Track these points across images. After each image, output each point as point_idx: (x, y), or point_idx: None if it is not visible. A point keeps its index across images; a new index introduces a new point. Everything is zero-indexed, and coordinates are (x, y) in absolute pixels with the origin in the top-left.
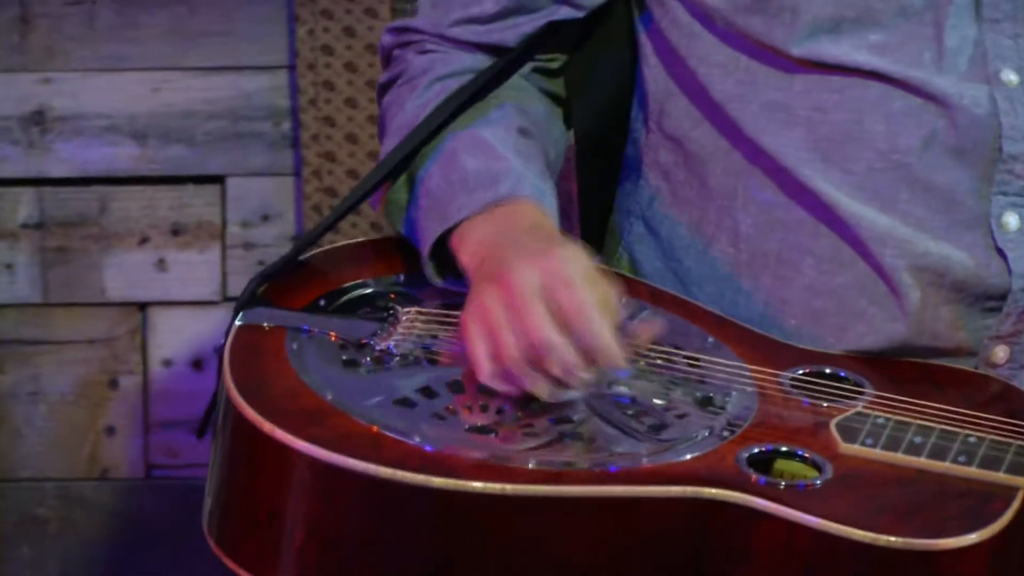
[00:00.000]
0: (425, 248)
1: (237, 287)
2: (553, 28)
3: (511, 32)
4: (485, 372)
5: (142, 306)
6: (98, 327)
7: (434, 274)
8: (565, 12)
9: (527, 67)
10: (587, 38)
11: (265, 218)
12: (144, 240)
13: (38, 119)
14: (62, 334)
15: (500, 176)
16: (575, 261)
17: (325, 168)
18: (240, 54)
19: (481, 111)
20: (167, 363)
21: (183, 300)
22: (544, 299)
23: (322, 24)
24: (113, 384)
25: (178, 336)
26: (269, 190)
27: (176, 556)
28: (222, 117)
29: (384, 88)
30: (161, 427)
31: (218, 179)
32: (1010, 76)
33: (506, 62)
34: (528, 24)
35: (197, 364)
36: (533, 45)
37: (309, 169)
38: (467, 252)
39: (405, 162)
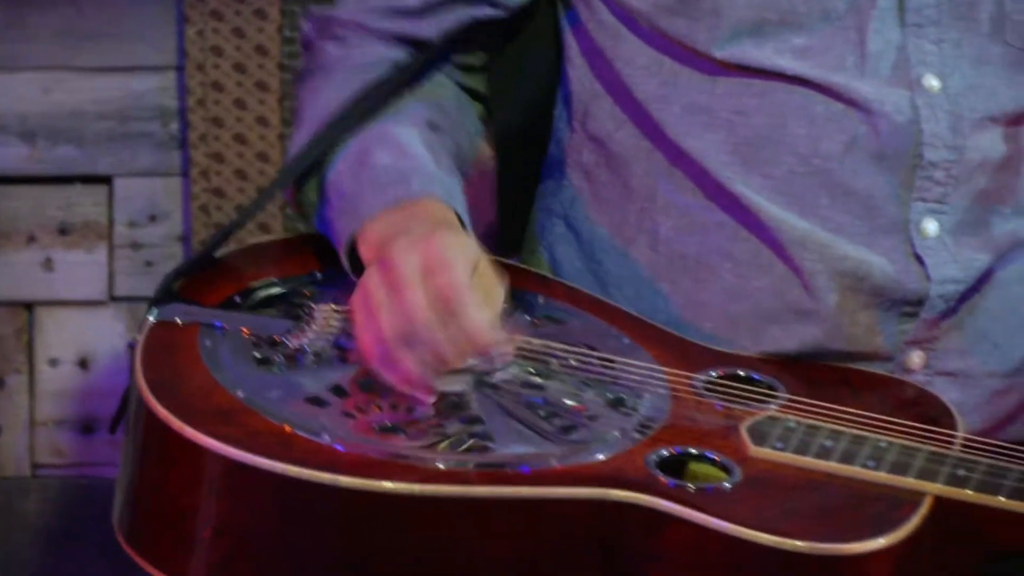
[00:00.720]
0: (341, 249)
1: (124, 287)
2: (475, 26)
3: (433, 27)
4: (370, 356)
5: (28, 305)
6: None
7: (352, 273)
8: (488, 11)
9: (448, 64)
10: (511, 37)
11: (152, 218)
12: (31, 239)
13: None
14: None
15: (410, 174)
16: (458, 246)
17: (213, 169)
18: (129, 54)
19: (392, 107)
20: (53, 363)
21: (70, 300)
22: (422, 280)
23: (211, 25)
24: None
25: (65, 336)
26: (157, 190)
27: (61, 555)
28: (111, 117)
29: (301, 77)
30: (47, 426)
31: (106, 179)
32: (932, 82)
33: (424, 58)
34: (450, 20)
35: (84, 364)
36: (453, 42)
37: (197, 169)
38: (367, 244)
39: (319, 158)
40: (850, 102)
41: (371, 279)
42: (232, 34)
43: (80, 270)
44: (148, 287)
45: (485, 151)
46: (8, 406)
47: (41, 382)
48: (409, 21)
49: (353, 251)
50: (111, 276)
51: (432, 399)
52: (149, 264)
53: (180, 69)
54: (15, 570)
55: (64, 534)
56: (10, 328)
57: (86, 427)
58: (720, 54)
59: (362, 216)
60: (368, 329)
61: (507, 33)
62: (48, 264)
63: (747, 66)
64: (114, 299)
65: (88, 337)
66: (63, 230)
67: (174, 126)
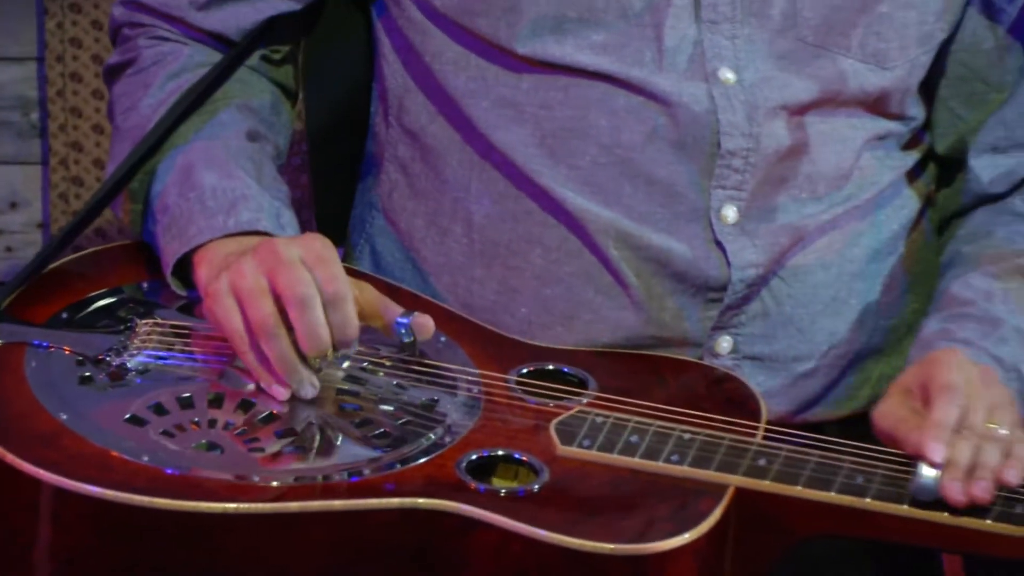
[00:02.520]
0: (167, 269)
1: None
2: (276, 20)
3: (232, 22)
4: (238, 340)
5: None
6: None
7: (179, 287)
8: (282, 4)
9: (255, 57)
10: (314, 30)
11: (13, 205)
12: None
13: None
14: None
15: (238, 201)
16: (331, 249)
17: (72, 157)
18: None
19: (210, 113)
20: None
21: None
22: (306, 268)
23: (70, 17)
24: None
25: None
26: (17, 178)
27: None
28: None
29: (114, 72)
30: None
31: None
32: (727, 75)
33: (230, 58)
34: (246, 16)
35: None
36: (255, 39)
37: (56, 158)
38: (206, 263)
39: (140, 167)
40: (650, 95)
41: (243, 267)
42: (91, 26)
43: None
44: (8, 272)
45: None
46: None
47: None
48: (210, 12)
49: (179, 267)
50: None
51: (303, 391)
52: (9, 250)
53: (40, 60)
54: None
55: None
56: None
57: None
58: (522, 50)
59: (190, 241)
60: (238, 315)
61: (308, 25)
62: None
63: (549, 62)
64: None
65: None
66: None
67: (34, 115)
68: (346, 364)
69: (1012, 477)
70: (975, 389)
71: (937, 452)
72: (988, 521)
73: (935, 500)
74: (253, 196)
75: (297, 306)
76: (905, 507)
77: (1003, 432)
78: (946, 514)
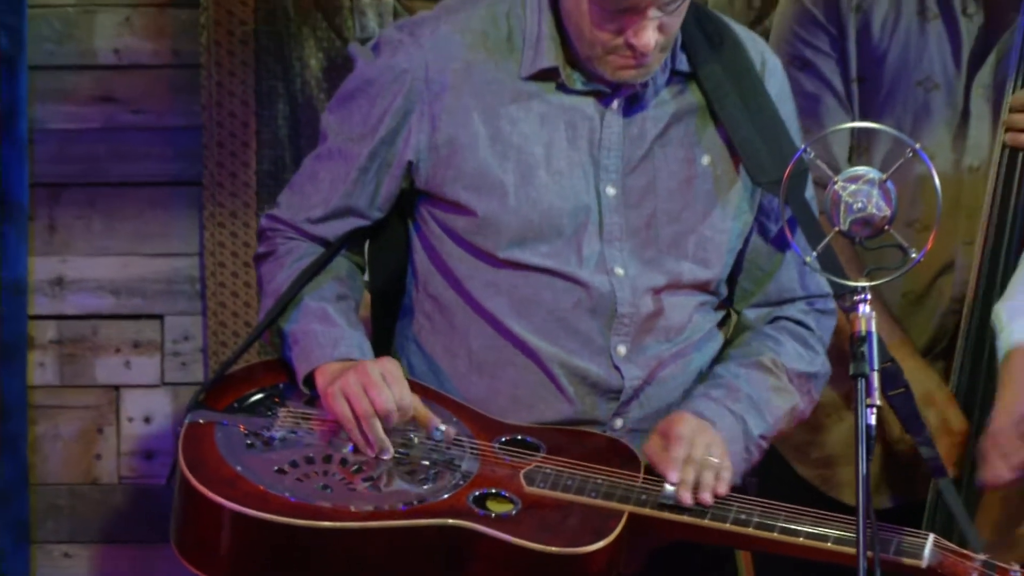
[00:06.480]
0: (299, 378)
1: (170, 377)
2: (357, 229)
3: (331, 231)
4: (349, 426)
5: (116, 387)
6: (91, 399)
7: (306, 390)
8: (363, 221)
9: (343, 249)
10: (378, 236)
11: (186, 338)
12: (118, 350)
13: (59, 282)
14: (72, 402)
15: (339, 340)
16: (399, 369)
17: (220, 311)
18: (171, 246)
19: (317, 284)
20: (130, 419)
21: (139, 384)
22: (386, 385)
23: (218, 230)
24: (100, 431)
25: (136, 404)
26: (188, 323)
27: (133, 527)
28: (162, 281)
29: (260, 258)
30: (126, 456)
31: (159, 317)
32: (619, 271)
33: (330, 252)
34: (342, 226)
35: (147, 420)
36: (344, 239)
37: (210, 311)
38: (323, 376)
39: (280, 315)
40: (575, 281)
41: (350, 378)
42: (230, 236)
43: (145, 368)
44: (184, 377)
45: (367, 298)
46: (105, 444)
47: (123, 430)
48: (319, 225)
49: (307, 379)
50: (163, 371)
51: (384, 455)
52: (184, 364)
53: (200, 255)
54: (107, 534)
55: (136, 516)
56: (105, 400)
57: (148, 455)
58: (501, 255)
59: (312, 363)
60: (349, 409)
61: (376, 232)
62: (127, 364)
63: (517, 262)
64: (165, 384)
65: (150, 405)
66: (135, 344)
67: (197, 287)
68: (416, 439)
69: (722, 491)
70: (696, 436)
71: (672, 476)
72: (727, 524)
73: (676, 505)
74: (346, 337)
75: (383, 415)
76: (658, 511)
77: (715, 460)
78: (696, 517)
